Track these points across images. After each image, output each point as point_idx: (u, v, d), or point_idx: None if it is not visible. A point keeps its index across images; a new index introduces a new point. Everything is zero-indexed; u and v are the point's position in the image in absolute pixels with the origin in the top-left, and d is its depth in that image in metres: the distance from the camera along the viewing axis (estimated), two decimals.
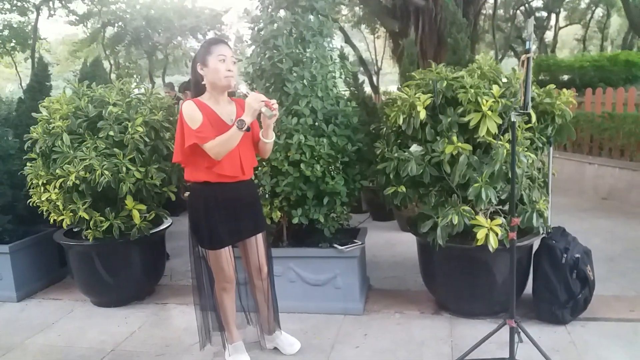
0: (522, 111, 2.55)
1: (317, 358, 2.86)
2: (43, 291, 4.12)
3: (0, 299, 3.95)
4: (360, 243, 3.34)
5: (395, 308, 3.40)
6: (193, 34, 19.15)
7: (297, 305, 3.38)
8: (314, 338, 3.08)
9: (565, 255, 2.97)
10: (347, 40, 16.76)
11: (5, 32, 14.24)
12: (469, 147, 2.85)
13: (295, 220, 3.26)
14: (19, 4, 14.04)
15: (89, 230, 3.47)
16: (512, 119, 2.55)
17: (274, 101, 2.44)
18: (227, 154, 2.46)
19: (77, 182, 3.26)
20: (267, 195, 3.27)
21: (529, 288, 3.20)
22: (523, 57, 2.54)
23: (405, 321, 3.23)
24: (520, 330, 2.61)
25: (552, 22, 20.28)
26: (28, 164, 3.61)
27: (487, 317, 3.15)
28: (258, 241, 2.76)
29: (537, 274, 3.10)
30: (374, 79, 19.45)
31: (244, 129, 2.39)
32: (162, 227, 3.79)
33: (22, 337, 3.33)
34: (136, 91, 3.75)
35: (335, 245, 3.29)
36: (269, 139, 2.57)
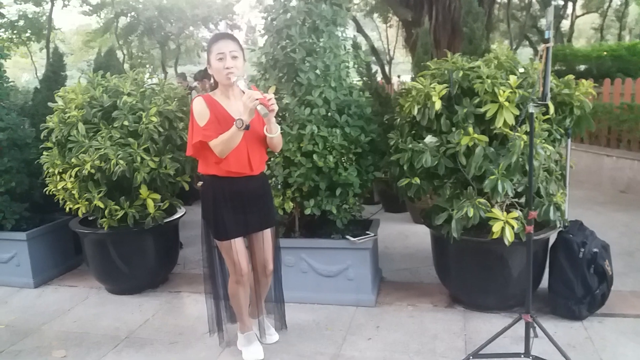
0: (540, 102, 2.51)
1: (329, 349, 2.86)
2: (59, 278, 4.19)
3: (18, 285, 4.02)
4: (372, 235, 3.33)
5: (408, 300, 3.39)
6: (205, 23, 19.15)
7: (309, 296, 3.39)
8: (326, 329, 3.08)
9: (582, 250, 2.93)
10: (359, 29, 16.63)
11: (21, 23, 14.34)
12: (485, 138, 2.81)
13: (307, 211, 3.26)
14: None
15: (104, 219, 3.50)
16: (530, 110, 2.51)
17: (270, 97, 2.41)
18: (234, 150, 2.46)
19: (93, 171, 3.29)
20: (279, 186, 3.26)
21: (544, 282, 3.16)
22: (542, 46, 2.48)
23: (418, 314, 3.22)
24: (536, 325, 2.59)
25: (569, 10, 19.93)
26: (44, 152, 3.66)
27: (501, 311, 3.12)
28: (265, 237, 2.75)
29: (554, 268, 3.06)
30: (386, 68, 19.31)
31: (242, 128, 2.38)
32: (176, 216, 3.81)
33: (39, 323, 3.39)
34: (150, 81, 3.76)
35: (348, 237, 3.28)
36: (272, 133, 2.55)
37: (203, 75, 7.11)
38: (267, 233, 2.76)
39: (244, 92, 2.40)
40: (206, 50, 2.59)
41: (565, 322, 2.98)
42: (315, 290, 3.39)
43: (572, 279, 2.94)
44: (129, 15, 18.20)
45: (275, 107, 2.43)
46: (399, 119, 3.27)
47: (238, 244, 2.64)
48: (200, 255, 4.18)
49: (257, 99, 2.34)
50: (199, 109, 2.49)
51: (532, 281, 2.66)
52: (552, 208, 2.94)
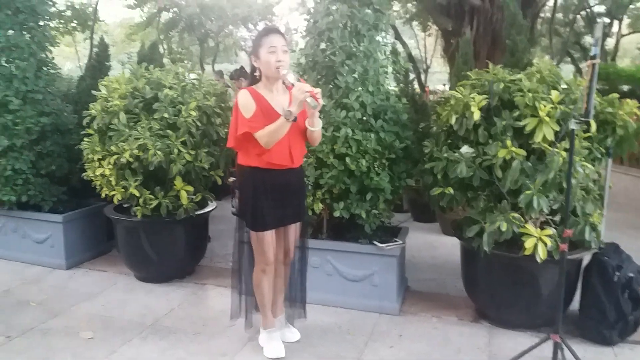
0: (582, 119, 2.47)
1: (350, 353, 2.86)
2: (90, 262, 4.28)
3: (51, 266, 4.13)
4: (400, 242, 3.31)
5: (433, 312, 3.36)
6: (244, 23, 19.34)
7: (332, 299, 3.39)
8: (348, 333, 3.08)
9: (617, 273, 2.85)
10: (397, 36, 16.54)
11: (68, 13, 14.74)
12: (522, 152, 2.78)
13: (336, 214, 3.26)
14: None
15: (138, 207, 3.57)
16: (571, 127, 2.47)
17: (318, 91, 2.45)
18: (277, 143, 2.50)
19: (131, 159, 3.37)
20: (310, 187, 3.27)
21: (575, 304, 3.10)
22: (588, 62, 2.45)
23: (442, 326, 3.19)
24: (564, 346, 2.53)
25: (615, 29, 19.44)
26: (85, 139, 3.74)
27: (528, 329, 3.06)
28: (295, 229, 2.81)
29: (586, 290, 2.99)
30: (422, 77, 19.15)
31: (290, 120, 2.43)
32: (207, 210, 3.87)
33: (69, 304, 3.48)
34: (191, 76, 3.82)
35: (375, 242, 3.26)
36: (315, 127, 2.59)
37: (239, 74, 7.19)
38: (297, 225, 2.82)
39: (293, 85, 2.44)
40: (254, 42, 2.60)
41: (595, 346, 2.91)
42: (339, 293, 3.38)
43: (604, 303, 2.87)
44: (171, 10, 18.53)
45: (322, 101, 2.47)
46: (435, 127, 3.25)
47: (271, 235, 2.68)
48: (227, 250, 4.25)
49: (307, 91, 2.38)
50: (245, 101, 2.53)
51: (563, 301, 2.61)
52: (587, 228, 2.87)
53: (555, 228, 2.85)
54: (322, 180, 3.20)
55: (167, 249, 3.76)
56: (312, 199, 3.27)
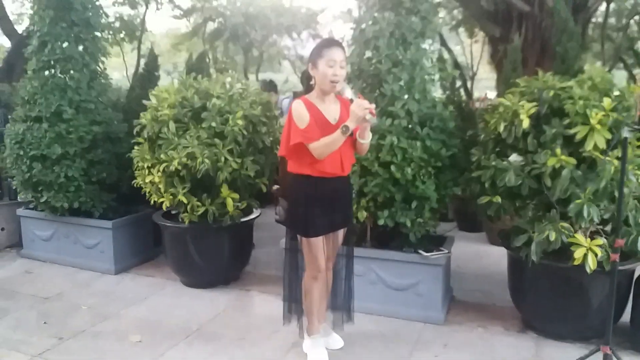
0: (636, 127, 2.40)
1: None
2: (138, 267, 4.40)
3: (100, 271, 4.27)
4: (446, 251, 3.27)
5: (479, 322, 3.29)
6: (288, 32, 19.53)
7: (376, 308, 3.37)
8: (392, 342, 3.06)
9: None
10: (443, 43, 16.33)
11: (117, 24, 15.28)
12: (573, 160, 2.71)
13: (381, 222, 3.25)
14: None
15: (186, 214, 3.67)
16: (624, 135, 2.40)
17: (373, 105, 2.47)
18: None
19: (179, 167, 3.45)
20: (354, 195, 3.27)
21: (626, 316, 2.98)
22: None
23: (488, 336, 3.12)
24: (615, 358, 2.44)
25: None
26: (135, 147, 3.86)
27: (576, 341, 2.97)
28: (341, 234, 2.84)
29: (638, 302, 2.88)
30: (469, 84, 18.84)
31: (347, 134, 2.46)
32: (251, 217, 3.94)
33: (117, 308, 3.58)
34: (238, 86, 3.90)
35: (420, 251, 3.24)
36: (365, 139, 2.61)
37: (268, 88, 6.86)
38: (344, 231, 2.85)
39: (351, 100, 2.46)
40: (314, 51, 2.60)
41: None
42: (382, 302, 3.37)
43: None
44: (216, 21, 18.93)
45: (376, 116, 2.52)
46: (482, 135, 3.21)
47: (321, 241, 2.71)
48: (271, 257, 4.29)
49: (366, 108, 2.40)
50: (299, 112, 2.56)
51: (614, 313, 2.52)
52: None
53: (606, 238, 2.76)
54: (367, 188, 3.20)
55: (213, 255, 3.83)
56: (357, 207, 3.27)
